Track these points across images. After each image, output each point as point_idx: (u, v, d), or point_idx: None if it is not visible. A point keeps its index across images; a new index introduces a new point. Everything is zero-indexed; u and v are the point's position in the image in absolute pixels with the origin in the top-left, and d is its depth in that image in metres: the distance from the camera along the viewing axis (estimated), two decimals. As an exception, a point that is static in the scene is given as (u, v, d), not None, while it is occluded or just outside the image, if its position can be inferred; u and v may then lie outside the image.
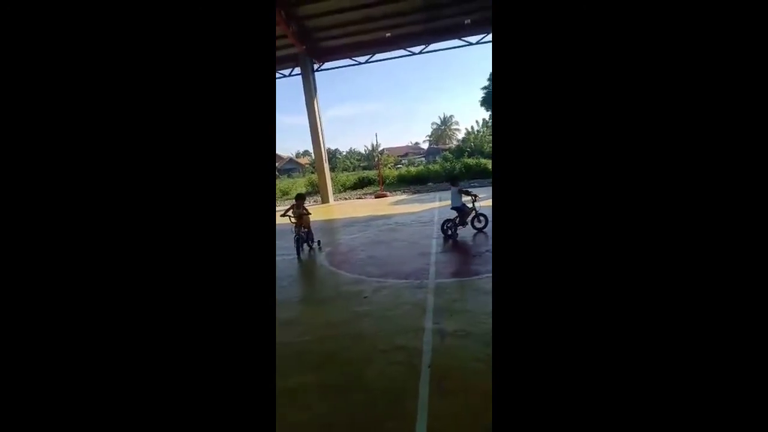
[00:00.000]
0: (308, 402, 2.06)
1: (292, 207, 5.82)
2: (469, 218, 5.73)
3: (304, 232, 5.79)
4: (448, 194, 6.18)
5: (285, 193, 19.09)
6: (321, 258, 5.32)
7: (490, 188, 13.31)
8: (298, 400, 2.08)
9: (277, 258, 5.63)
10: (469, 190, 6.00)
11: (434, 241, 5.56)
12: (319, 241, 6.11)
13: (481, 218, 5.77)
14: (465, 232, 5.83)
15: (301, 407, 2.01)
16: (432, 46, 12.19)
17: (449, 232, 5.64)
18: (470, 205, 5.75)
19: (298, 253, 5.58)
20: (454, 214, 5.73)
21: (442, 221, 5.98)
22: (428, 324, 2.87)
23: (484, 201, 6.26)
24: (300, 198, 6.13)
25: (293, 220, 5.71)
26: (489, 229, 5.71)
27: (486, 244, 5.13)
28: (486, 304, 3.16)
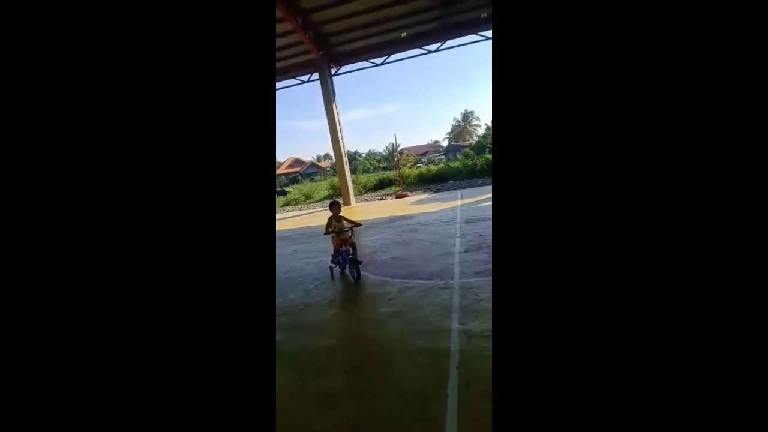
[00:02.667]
0: (336, 405, 2.08)
1: (330, 220, 4.37)
2: None
3: (345, 253, 4.22)
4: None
5: (308, 197, 19.41)
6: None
7: None
8: (325, 403, 2.11)
9: (299, 272, 5.71)
10: None
11: (457, 241, 5.49)
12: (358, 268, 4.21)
13: None
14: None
15: (329, 411, 2.04)
16: (448, 43, 12.06)
17: None
18: None
19: (333, 276, 4.46)
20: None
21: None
22: (454, 325, 2.84)
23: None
24: (335, 206, 4.49)
25: (337, 238, 4.29)
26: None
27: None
28: (513, 303, 3.09)
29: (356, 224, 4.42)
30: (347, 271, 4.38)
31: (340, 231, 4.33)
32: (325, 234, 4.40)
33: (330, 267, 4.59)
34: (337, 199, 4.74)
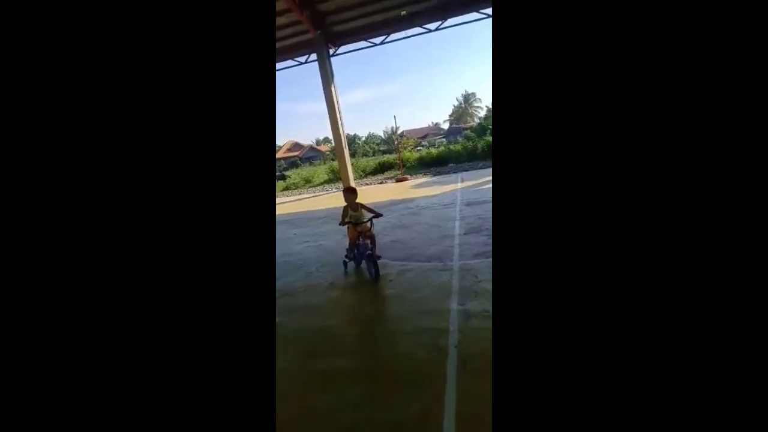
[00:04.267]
0: (336, 385, 2.12)
1: (346, 209, 3.83)
2: None
3: (362, 246, 3.69)
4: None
5: (308, 181, 19.32)
6: (346, 244, 5.26)
7: None
8: (326, 383, 2.15)
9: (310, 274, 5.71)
10: None
11: (457, 223, 5.49)
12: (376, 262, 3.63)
13: None
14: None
15: (329, 390, 2.08)
16: (449, 22, 11.74)
17: None
18: None
19: (346, 272, 4.00)
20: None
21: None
22: (454, 305, 2.87)
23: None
24: (351, 193, 3.88)
25: (353, 230, 3.74)
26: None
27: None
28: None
29: (377, 214, 3.79)
30: (363, 266, 3.91)
31: (358, 222, 3.77)
32: (341, 224, 3.87)
33: (344, 261, 4.09)
34: (351, 186, 3.92)
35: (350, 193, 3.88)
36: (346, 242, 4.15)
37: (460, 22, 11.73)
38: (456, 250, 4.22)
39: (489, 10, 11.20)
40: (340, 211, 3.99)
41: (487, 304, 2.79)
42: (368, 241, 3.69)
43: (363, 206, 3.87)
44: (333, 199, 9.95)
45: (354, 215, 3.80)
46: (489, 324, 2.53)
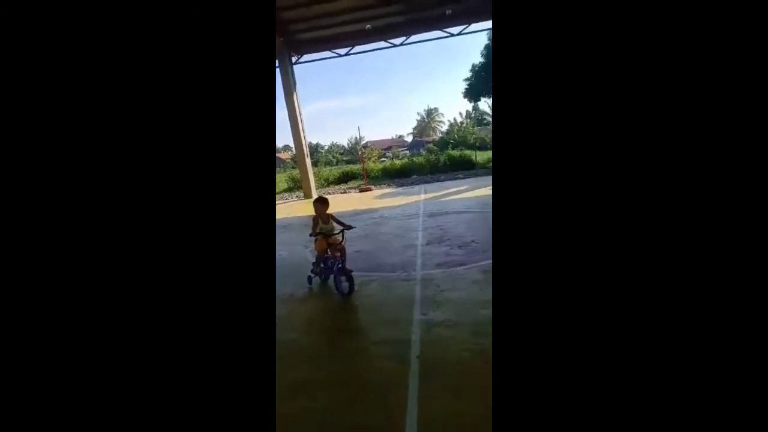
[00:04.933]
0: (299, 396, 2.06)
1: (316, 220, 3.64)
2: None
3: (331, 260, 3.52)
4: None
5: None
6: (307, 254, 4.85)
7: (475, 179, 13.15)
8: (288, 394, 2.08)
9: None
10: None
11: (420, 234, 5.59)
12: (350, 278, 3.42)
13: None
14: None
15: (292, 402, 2.01)
16: (414, 38, 12.12)
17: None
18: None
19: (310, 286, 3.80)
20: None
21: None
22: (416, 315, 2.90)
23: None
24: (322, 204, 3.67)
25: (323, 242, 3.56)
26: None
27: (472, 234, 5.19)
28: (471, 293, 3.21)
29: (348, 226, 3.62)
30: (331, 282, 3.69)
31: (328, 234, 3.60)
32: (311, 236, 3.69)
33: (309, 277, 3.85)
34: (322, 196, 3.94)
35: (321, 203, 3.69)
36: (308, 253, 3.96)
37: (425, 39, 12.18)
38: (419, 260, 4.29)
39: (453, 29, 11.74)
40: (304, 221, 3.86)
41: (449, 314, 2.86)
42: (338, 254, 3.49)
43: (333, 218, 3.72)
44: (293, 208, 9.75)
45: (325, 228, 3.62)
46: (450, 333, 2.59)
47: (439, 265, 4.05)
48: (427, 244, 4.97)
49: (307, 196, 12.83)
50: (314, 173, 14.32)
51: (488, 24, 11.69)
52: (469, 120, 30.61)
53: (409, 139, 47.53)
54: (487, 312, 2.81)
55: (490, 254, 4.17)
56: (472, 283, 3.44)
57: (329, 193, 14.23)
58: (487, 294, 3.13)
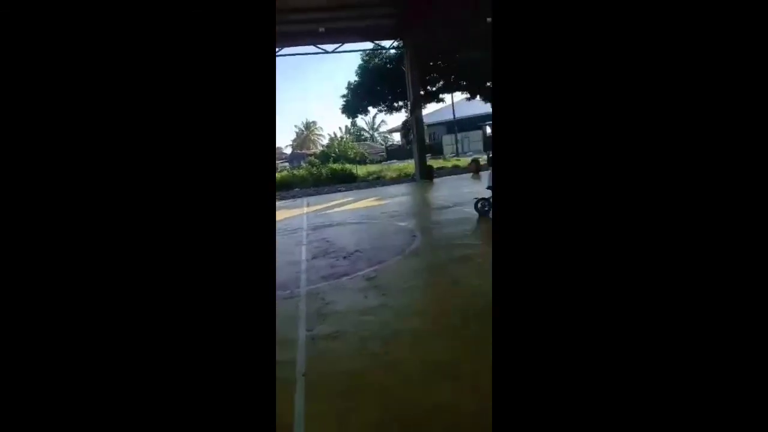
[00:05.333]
0: None
1: None
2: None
3: None
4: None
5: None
6: None
7: (357, 191, 13.54)
8: None
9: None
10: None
11: (304, 248, 5.49)
12: None
13: None
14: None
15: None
16: (285, 51, 12.00)
17: (486, 208, 5.77)
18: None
19: None
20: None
21: (475, 201, 5.83)
22: (301, 333, 2.83)
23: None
24: None
25: None
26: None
27: (355, 245, 5.34)
28: (356, 301, 3.30)
29: None
30: None
31: None
32: None
33: None
34: None
35: None
36: None
37: (298, 53, 12.16)
38: (303, 276, 4.19)
39: (327, 47, 12.04)
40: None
41: (336, 325, 2.87)
42: None
43: None
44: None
45: None
46: (336, 345, 2.60)
47: (324, 278, 4.03)
48: (313, 258, 4.91)
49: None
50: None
51: (362, 45, 12.34)
52: (348, 135, 31.68)
53: (288, 151, 46.44)
54: (372, 318, 2.93)
55: (373, 262, 4.37)
56: (357, 292, 3.54)
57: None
58: (372, 301, 3.27)
